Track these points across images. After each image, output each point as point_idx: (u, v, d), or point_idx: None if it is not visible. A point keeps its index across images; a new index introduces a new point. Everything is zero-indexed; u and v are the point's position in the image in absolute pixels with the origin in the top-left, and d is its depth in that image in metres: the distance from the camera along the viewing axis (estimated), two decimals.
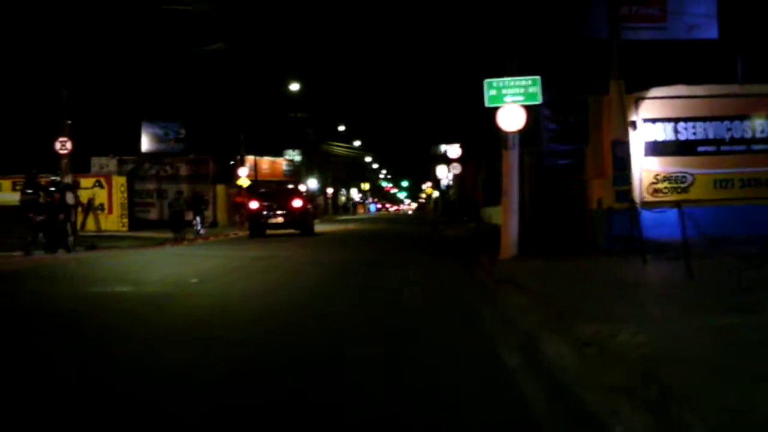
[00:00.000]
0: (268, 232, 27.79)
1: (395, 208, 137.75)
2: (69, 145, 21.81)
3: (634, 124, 14.47)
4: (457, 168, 36.60)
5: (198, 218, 28.33)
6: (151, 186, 40.37)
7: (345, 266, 15.00)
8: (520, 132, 14.65)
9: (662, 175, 14.61)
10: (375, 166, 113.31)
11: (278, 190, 32.51)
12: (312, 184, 65.05)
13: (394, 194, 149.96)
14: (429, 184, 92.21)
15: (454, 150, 36.45)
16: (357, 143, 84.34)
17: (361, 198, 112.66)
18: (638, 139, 14.54)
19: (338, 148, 76.17)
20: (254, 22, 37.46)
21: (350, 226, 42.64)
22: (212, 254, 18.60)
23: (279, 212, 27.44)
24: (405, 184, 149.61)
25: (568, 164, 21.39)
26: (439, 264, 15.52)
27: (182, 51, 32.94)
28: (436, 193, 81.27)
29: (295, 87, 45.60)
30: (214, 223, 40.80)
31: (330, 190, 78.23)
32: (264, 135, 49.35)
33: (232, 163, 42.06)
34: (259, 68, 43.71)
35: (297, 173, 61.15)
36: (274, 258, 17.01)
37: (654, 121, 14.64)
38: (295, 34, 47.91)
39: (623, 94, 14.20)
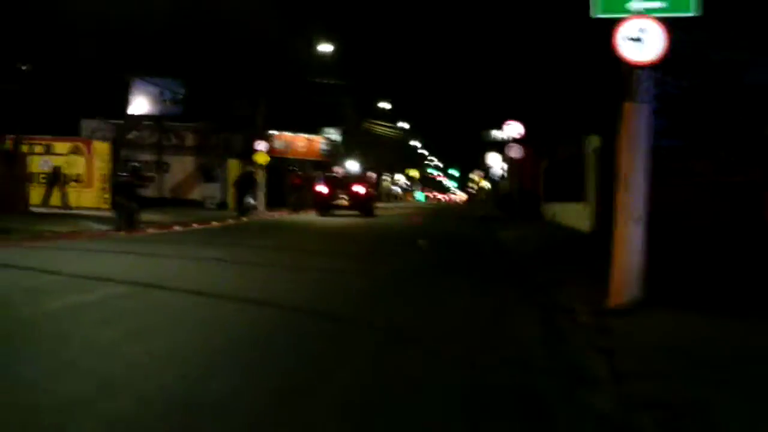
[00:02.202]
0: (335, 212, 31.42)
1: (444, 197, 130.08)
2: None
3: None
4: (518, 151, 29.39)
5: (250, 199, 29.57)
6: (148, 157, 34.03)
7: (301, 327, 7.79)
8: (656, 67, 7.62)
9: None
10: (425, 152, 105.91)
11: (344, 176, 37.44)
12: (353, 166, 57.87)
13: (442, 183, 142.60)
14: (480, 172, 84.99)
15: (515, 128, 29.24)
16: (405, 126, 77.18)
17: (408, 185, 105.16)
18: None
19: (382, 128, 68.98)
20: None
21: (389, 221, 35.78)
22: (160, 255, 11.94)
23: (343, 196, 31.66)
24: (454, 173, 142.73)
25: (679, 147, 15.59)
26: (492, 320, 7.81)
27: None
28: (487, 184, 74.13)
29: (329, 49, 38.26)
30: (222, 205, 34.47)
31: (374, 175, 70.81)
32: (297, 110, 42.71)
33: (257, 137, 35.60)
34: (290, 30, 36.90)
35: (336, 154, 54.22)
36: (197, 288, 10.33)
37: None
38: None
39: None
